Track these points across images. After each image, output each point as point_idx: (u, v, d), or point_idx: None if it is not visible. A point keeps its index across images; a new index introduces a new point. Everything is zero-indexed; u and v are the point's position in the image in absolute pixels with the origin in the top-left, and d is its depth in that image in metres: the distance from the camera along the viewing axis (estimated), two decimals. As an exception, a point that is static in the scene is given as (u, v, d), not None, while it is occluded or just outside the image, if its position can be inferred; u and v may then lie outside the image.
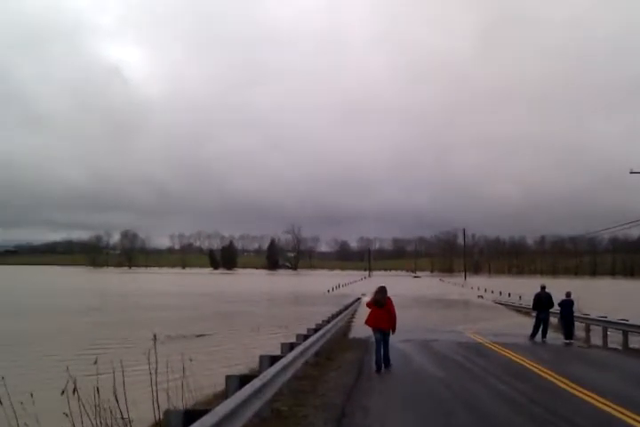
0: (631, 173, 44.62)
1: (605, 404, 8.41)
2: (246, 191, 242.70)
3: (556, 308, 19.96)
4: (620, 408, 8.03)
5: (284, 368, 7.80)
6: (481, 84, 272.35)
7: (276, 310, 34.79)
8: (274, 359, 7.95)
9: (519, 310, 34.96)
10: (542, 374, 11.50)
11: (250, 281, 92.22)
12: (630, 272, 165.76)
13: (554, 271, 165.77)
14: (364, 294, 39.31)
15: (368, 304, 12.61)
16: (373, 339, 12.78)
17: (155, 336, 18.85)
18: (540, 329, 19.60)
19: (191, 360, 9.93)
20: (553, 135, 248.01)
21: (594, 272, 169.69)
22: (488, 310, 37.57)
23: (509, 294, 49.97)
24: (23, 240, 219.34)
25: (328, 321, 16.94)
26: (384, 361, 11.83)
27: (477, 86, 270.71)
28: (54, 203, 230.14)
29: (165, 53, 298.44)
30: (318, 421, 7.61)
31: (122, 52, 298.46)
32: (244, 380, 6.28)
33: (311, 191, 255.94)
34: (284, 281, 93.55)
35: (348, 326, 24.33)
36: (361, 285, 69.93)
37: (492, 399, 8.81)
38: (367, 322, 12.32)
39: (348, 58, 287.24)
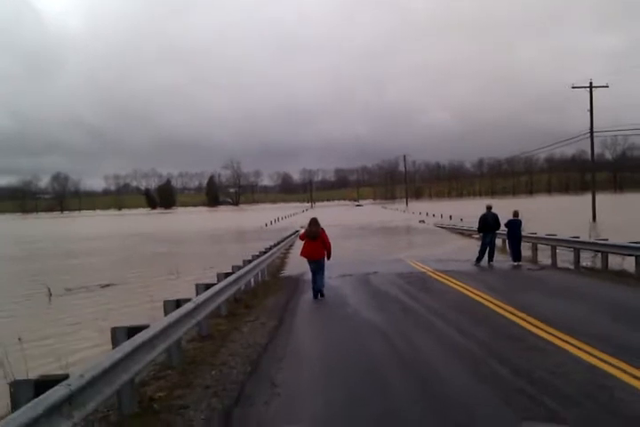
0: (573, 87, 43.67)
1: (589, 352, 6.42)
2: (182, 128, 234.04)
3: (503, 229, 18.35)
4: (611, 360, 6.03)
5: (145, 345, 5.26)
6: (414, 13, 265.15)
7: (205, 249, 32.22)
8: (133, 332, 5.41)
9: (462, 232, 33.84)
10: (497, 309, 9.56)
11: (186, 219, 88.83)
12: (565, 189, 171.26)
13: (492, 192, 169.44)
14: (302, 227, 37.22)
15: (301, 237, 12.84)
16: (307, 276, 13.22)
17: (49, 291, 16.31)
18: (487, 252, 17.95)
19: (20, 339, 7.23)
20: (485, 62, 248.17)
21: (530, 191, 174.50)
22: (430, 234, 36.31)
23: (450, 217, 49.21)
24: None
25: (250, 260, 14.56)
26: (319, 288, 12.14)
27: (411, 16, 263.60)
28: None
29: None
30: (198, 416, 5.25)
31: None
32: (41, 386, 3.73)
33: (250, 126, 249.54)
34: (221, 217, 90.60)
35: (281, 263, 22.25)
36: (302, 217, 67.99)
37: (441, 356, 6.69)
38: (302, 253, 12.60)
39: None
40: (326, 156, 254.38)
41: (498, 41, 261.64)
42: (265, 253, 17.77)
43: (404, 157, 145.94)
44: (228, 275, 10.98)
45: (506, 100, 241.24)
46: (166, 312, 7.15)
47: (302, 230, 14.05)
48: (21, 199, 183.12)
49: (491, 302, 10.21)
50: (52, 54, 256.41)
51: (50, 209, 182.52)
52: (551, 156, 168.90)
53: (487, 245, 17.95)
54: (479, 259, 17.90)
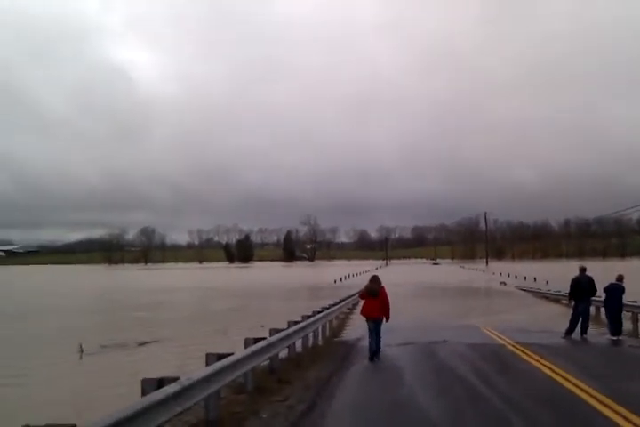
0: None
1: None
2: (264, 185, 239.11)
3: (598, 294, 15.64)
4: None
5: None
6: (492, 70, 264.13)
7: (267, 305, 30.61)
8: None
9: (547, 297, 30.43)
10: (600, 407, 7.11)
11: (260, 274, 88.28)
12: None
13: (580, 254, 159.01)
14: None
15: (361, 296, 12.83)
16: (363, 342, 12.94)
17: (81, 347, 15.11)
18: (579, 323, 15.17)
19: None
20: (568, 118, 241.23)
21: (622, 254, 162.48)
22: (511, 298, 33.01)
23: (535, 279, 45.28)
24: (46, 240, 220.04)
25: (297, 322, 12.73)
26: (375, 349, 11.69)
27: (488, 73, 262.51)
28: (75, 204, 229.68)
29: (174, 53, 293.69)
30: None
31: (130, 53, 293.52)
32: None
33: (329, 183, 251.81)
34: (294, 273, 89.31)
35: (341, 324, 20.28)
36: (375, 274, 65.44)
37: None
38: (361, 312, 12.42)
39: (359, 50, 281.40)
40: (404, 213, 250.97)
41: (584, 98, 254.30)
42: (320, 312, 15.88)
43: (485, 214, 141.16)
44: (257, 341, 9.20)
45: (594, 158, 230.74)
46: (144, 394, 5.45)
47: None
48: (109, 251, 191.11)
49: (590, 396, 7.75)
50: (142, 117, 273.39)
51: (135, 261, 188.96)
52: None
53: (580, 315, 15.22)
54: (570, 331, 15.14)
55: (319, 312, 15.90)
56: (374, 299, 11.94)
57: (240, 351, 8.02)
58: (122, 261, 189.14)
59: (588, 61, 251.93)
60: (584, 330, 15.08)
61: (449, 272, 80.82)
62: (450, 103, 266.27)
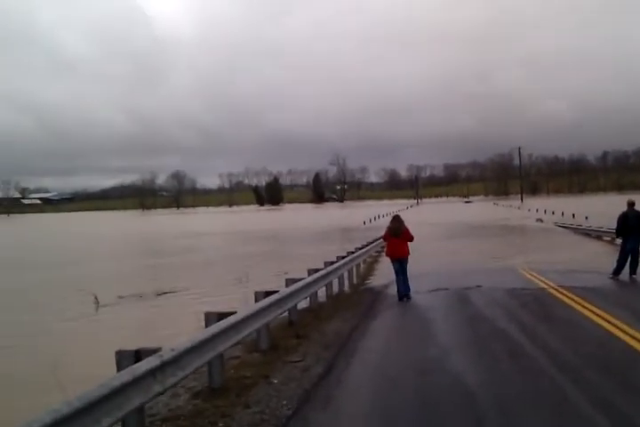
0: None
1: None
2: (292, 127, 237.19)
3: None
4: None
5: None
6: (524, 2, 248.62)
7: (293, 249, 29.96)
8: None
9: (588, 233, 28.90)
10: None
11: (290, 216, 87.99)
12: None
13: (619, 188, 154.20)
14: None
15: (384, 237, 12.68)
16: (391, 289, 12.61)
17: (96, 299, 14.57)
18: (628, 262, 13.87)
19: None
20: (604, 49, 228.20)
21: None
22: (549, 235, 31.56)
23: (573, 215, 43.44)
24: (80, 187, 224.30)
25: (317, 270, 11.77)
26: (404, 290, 11.69)
27: (521, 4, 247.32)
28: (108, 151, 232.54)
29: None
30: None
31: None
32: None
33: (357, 122, 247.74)
34: (324, 214, 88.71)
35: (369, 268, 19.32)
36: (405, 214, 64.27)
37: None
38: (386, 253, 12.49)
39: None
40: (435, 150, 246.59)
41: (620, 29, 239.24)
42: (344, 257, 14.90)
43: (519, 149, 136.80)
44: (269, 294, 8.26)
45: (631, 89, 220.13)
46: (119, 367, 4.53)
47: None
48: (142, 196, 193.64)
49: (653, 351, 6.64)
50: (164, 58, 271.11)
51: (167, 206, 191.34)
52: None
53: (628, 253, 13.89)
54: (617, 271, 13.86)
55: (343, 257, 14.93)
56: (398, 238, 11.97)
57: (246, 309, 7.05)
58: (154, 206, 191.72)
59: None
60: (633, 270, 13.79)
61: (482, 210, 79.07)
62: (481, 37, 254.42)
